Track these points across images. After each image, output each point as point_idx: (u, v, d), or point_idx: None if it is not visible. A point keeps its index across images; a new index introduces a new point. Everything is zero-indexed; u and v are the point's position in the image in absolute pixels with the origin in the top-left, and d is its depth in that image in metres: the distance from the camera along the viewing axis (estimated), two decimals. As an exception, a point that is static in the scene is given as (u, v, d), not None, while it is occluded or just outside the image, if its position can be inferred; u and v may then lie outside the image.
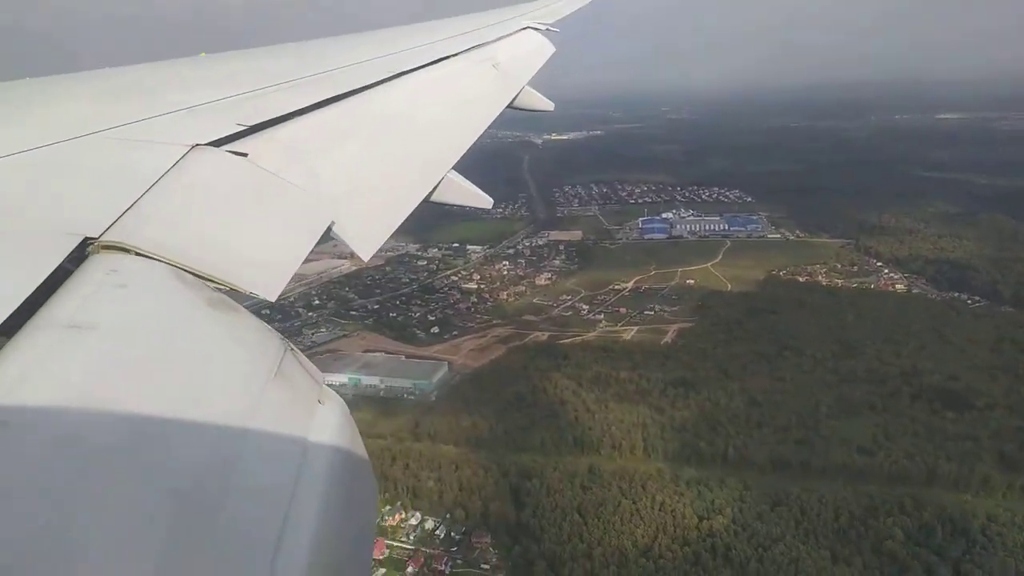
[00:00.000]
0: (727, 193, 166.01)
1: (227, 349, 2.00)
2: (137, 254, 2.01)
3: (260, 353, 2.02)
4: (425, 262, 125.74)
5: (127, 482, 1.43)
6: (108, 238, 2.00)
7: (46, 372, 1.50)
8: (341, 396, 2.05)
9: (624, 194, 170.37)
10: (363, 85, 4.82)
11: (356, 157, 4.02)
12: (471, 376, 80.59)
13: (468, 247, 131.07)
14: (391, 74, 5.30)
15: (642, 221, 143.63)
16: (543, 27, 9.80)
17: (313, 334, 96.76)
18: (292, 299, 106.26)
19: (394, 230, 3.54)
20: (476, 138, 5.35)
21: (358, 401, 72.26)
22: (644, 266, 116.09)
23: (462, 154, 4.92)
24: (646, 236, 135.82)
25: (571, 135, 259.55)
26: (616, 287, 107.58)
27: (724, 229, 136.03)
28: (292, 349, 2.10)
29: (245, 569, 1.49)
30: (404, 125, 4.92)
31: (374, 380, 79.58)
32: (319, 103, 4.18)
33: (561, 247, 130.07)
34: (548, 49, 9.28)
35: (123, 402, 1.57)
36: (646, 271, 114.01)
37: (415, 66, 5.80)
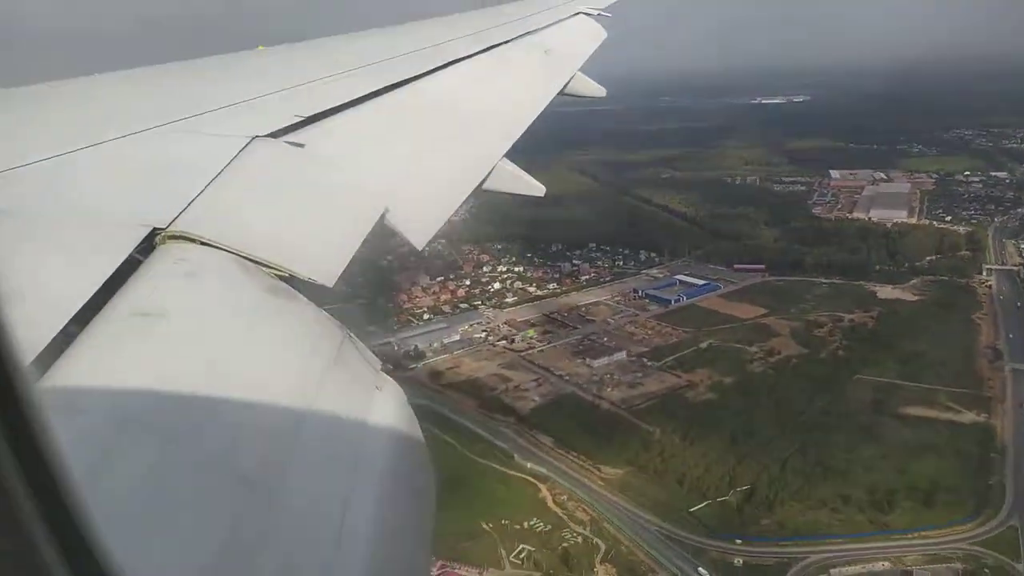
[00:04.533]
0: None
1: (288, 336, 2.04)
2: (202, 243, 2.06)
3: (319, 340, 2.06)
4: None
5: (195, 464, 1.47)
6: (174, 228, 2.06)
7: (118, 360, 1.55)
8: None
9: (970, 140, 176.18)
10: (416, 74, 4.84)
11: (409, 146, 4.05)
12: None
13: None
14: (443, 62, 5.30)
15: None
16: (595, 12, 9.65)
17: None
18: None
19: (447, 219, 3.54)
20: (528, 126, 5.29)
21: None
22: None
23: (514, 142, 4.88)
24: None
25: (776, 100, 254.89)
26: None
27: None
28: (350, 336, 2.13)
29: (310, 549, 1.52)
30: (456, 113, 4.92)
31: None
32: (373, 93, 4.21)
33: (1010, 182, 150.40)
34: (600, 34, 9.13)
35: (191, 387, 1.61)
36: None
37: (467, 54, 5.79)
